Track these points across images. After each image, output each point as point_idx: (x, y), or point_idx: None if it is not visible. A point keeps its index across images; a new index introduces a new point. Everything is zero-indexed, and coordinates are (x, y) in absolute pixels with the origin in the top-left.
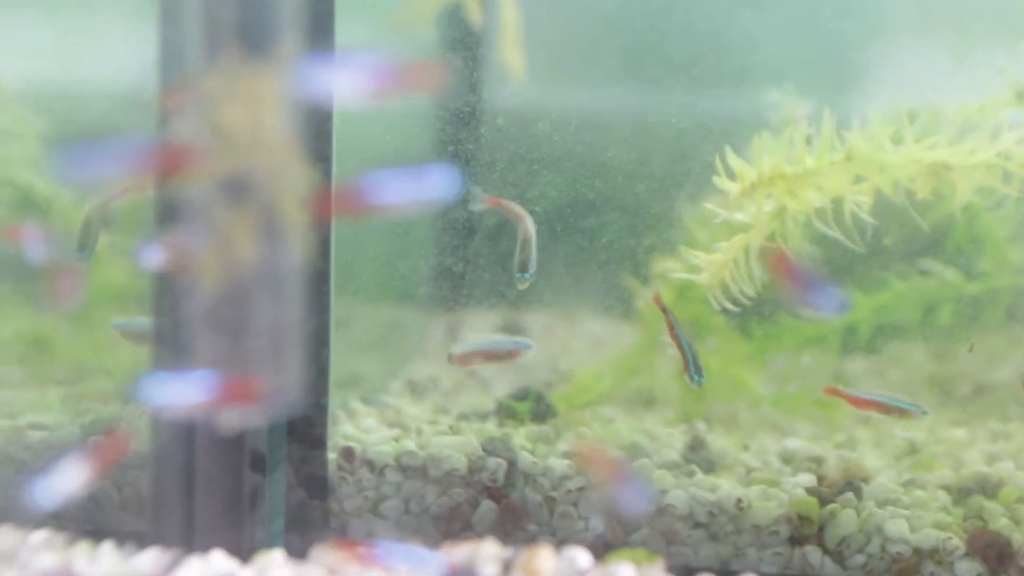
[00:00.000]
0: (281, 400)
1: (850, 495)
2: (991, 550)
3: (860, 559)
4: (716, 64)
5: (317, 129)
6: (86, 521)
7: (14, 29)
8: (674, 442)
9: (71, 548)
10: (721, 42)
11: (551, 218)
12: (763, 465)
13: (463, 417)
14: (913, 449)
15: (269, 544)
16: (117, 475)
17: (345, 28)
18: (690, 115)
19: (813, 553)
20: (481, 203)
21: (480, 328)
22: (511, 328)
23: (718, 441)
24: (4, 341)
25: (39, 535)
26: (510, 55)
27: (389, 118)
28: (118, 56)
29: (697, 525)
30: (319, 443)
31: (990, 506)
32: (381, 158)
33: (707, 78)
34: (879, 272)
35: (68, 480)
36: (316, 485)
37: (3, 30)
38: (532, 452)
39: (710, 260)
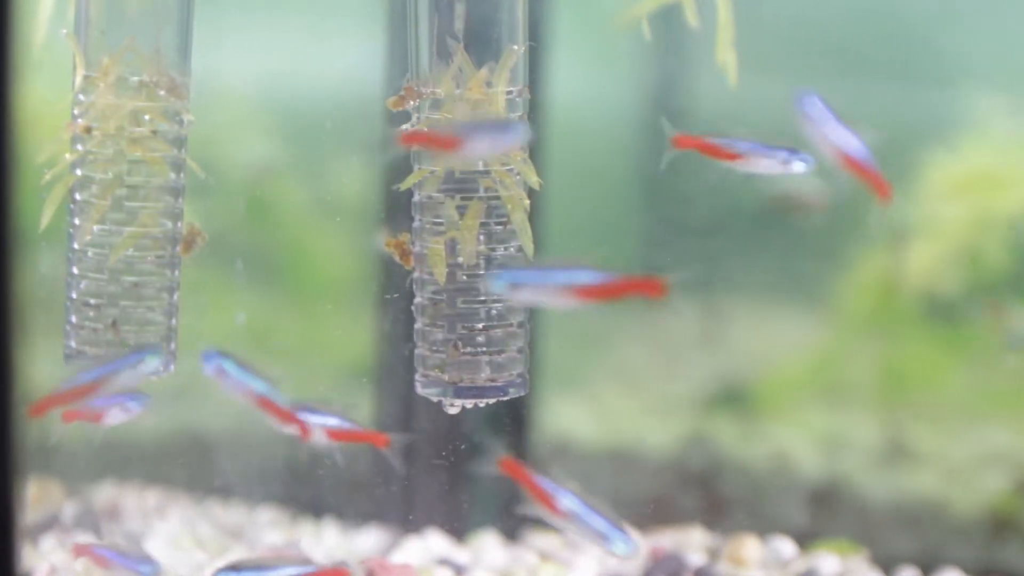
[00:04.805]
0: (501, 385)
1: None
2: None
3: None
4: (924, 65)
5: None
6: (308, 499)
7: (242, 30)
8: (874, 435)
9: (295, 525)
10: (929, 44)
11: (757, 213)
12: (965, 460)
13: (668, 406)
14: None
15: (482, 526)
16: (337, 456)
17: (563, 32)
18: (897, 114)
19: (1015, 551)
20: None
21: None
22: (711, 317)
23: (919, 434)
24: (234, 329)
25: (265, 513)
26: (725, 55)
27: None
28: (347, 58)
29: (898, 518)
30: (530, 429)
31: None
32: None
33: (915, 78)
34: None
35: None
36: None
37: (231, 30)
38: (736, 441)
39: (915, 256)
